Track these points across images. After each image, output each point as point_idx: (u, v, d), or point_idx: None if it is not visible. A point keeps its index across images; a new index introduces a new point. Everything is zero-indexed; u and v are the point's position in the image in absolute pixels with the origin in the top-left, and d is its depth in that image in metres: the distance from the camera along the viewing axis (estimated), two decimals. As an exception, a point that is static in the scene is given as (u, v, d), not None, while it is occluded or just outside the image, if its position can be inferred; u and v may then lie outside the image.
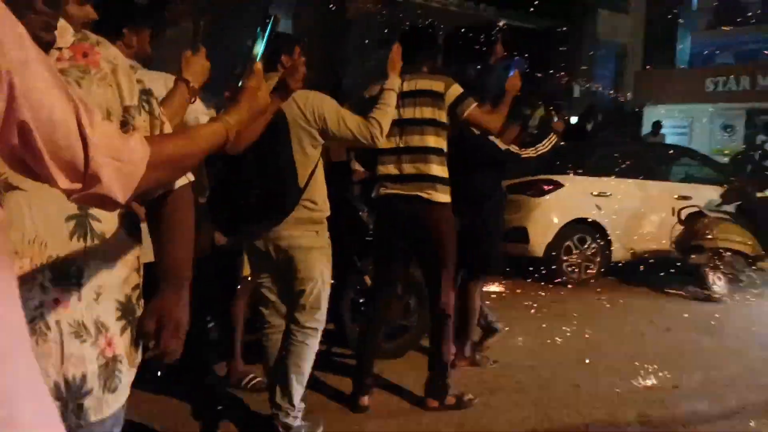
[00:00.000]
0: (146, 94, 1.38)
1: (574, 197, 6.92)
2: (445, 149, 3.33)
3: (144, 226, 1.48)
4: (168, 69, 2.26)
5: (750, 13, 14.86)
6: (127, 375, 1.36)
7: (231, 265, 3.55)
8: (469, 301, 4.13)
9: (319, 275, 2.92)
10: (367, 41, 10.36)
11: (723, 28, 15.95)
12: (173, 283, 1.46)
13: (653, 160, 7.88)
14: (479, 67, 4.47)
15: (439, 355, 3.42)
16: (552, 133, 4.19)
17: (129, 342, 1.38)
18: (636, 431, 3.21)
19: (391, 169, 3.33)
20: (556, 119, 4.34)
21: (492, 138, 4.10)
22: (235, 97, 1.34)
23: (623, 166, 7.54)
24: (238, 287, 3.60)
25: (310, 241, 2.91)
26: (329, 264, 2.98)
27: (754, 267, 6.27)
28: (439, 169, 3.30)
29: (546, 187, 6.87)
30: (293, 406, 2.89)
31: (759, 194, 6.72)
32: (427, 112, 3.28)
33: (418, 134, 3.28)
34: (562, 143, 4.47)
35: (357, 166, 4.50)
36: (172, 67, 2.16)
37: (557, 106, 4.49)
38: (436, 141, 3.29)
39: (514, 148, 4.08)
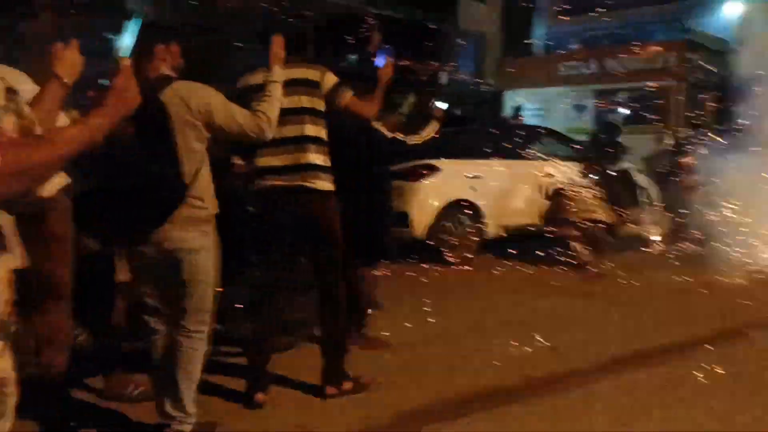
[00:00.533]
0: (11, 93, 1.28)
1: (450, 180, 7.24)
2: (325, 138, 3.34)
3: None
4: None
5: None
6: (12, 398, 1.26)
7: (105, 271, 3.37)
8: (365, 286, 4.23)
9: (204, 277, 2.83)
10: (238, 32, 10.11)
11: (567, 17, 17.26)
12: (53, 297, 1.37)
13: (519, 141, 8.41)
14: (359, 56, 4.55)
15: (332, 342, 3.45)
16: (434, 120, 4.36)
17: (10, 363, 1.28)
18: (522, 392, 3.45)
19: (271, 161, 3.29)
20: (436, 107, 4.53)
21: (379, 127, 4.22)
22: (101, 97, 1.27)
23: (493, 148, 8.01)
24: (116, 294, 3.42)
25: (197, 242, 2.81)
26: (215, 264, 2.91)
27: (612, 234, 6.89)
28: (320, 158, 3.31)
29: (423, 172, 7.13)
30: (186, 414, 2.80)
31: (613, 168, 7.38)
32: (305, 101, 3.27)
33: (296, 124, 3.26)
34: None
35: (237, 160, 4.43)
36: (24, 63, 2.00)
37: (431, 93, 4.68)
38: (315, 130, 3.29)
39: (400, 136, 4.21)
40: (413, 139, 4.31)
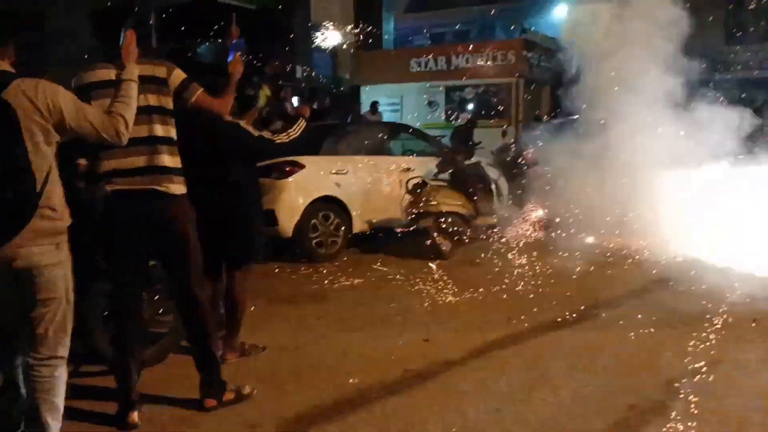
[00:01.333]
0: None
1: (315, 177, 7.23)
2: (175, 138, 3.19)
3: None
4: None
5: None
6: None
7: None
8: (237, 292, 4.10)
9: (63, 294, 2.62)
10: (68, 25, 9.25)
11: (415, 13, 17.89)
12: None
13: (379, 138, 8.61)
14: (214, 48, 4.38)
15: (204, 353, 3.31)
16: (301, 118, 4.31)
17: None
18: (402, 386, 3.55)
19: (120, 163, 3.06)
20: (297, 104, 4.49)
21: (244, 125, 4.09)
22: None
23: (355, 144, 8.12)
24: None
25: (50, 256, 2.58)
26: (71, 279, 2.69)
27: (469, 225, 7.27)
28: (172, 160, 3.16)
29: (288, 169, 7.05)
30: None
31: (467, 162, 7.78)
32: (152, 99, 3.09)
33: (145, 123, 3.06)
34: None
35: (81, 161, 4.10)
36: None
37: (285, 87, 4.63)
38: (165, 130, 3.14)
39: (267, 135, 4.11)
40: (281, 138, 4.23)
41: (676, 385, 3.41)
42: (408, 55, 17.26)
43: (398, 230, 7.46)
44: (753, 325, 4.42)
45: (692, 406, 3.16)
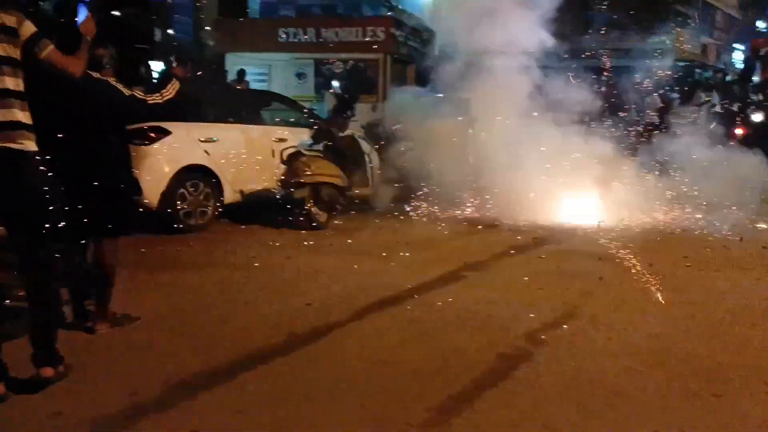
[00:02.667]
0: None
1: (182, 144, 6.93)
2: (24, 92, 3.01)
3: None
4: None
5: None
6: None
7: None
8: (106, 261, 3.89)
9: None
10: None
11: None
12: None
13: (250, 106, 8.41)
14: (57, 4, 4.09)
15: (44, 318, 3.11)
16: (174, 79, 4.14)
17: None
18: (288, 348, 3.59)
19: None
20: (175, 65, 4.30)
21: (113, 82, 3.85)
22: None
23: (225, 112, 7.88)
24: None
25: None
26: None
27: (343, 196, 7.37)
28: (25, 115, 2.99)
29: (153, 135, 6.69)
30: None
31: (341, 134, 7.84)
32: (1, 50, 2.90)
33: None
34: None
35: None
36: None
37: (143, 50, 4.44)
38: (15, 83, 2.96)
39: (139, 94, 3.90)
40: (154, 98, 4.04)
41: (542, 336, 3.76)
42: (276, 24, 16.87)
43: (272, 198, 7.39)
44: (600, 280, 4.96)
45: (551, 353, 3.52)
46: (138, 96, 3.90)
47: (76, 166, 3.75)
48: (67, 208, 3.77)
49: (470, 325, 3.97)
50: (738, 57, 27.06)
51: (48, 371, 3.06)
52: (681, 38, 19.45)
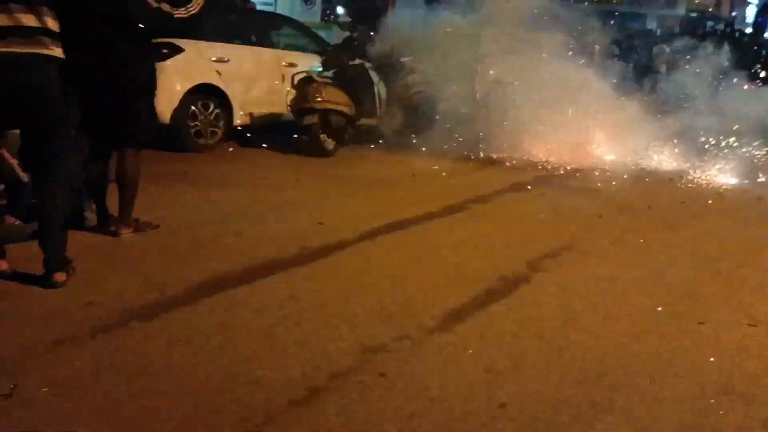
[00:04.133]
0: None
1: (194, 63, 6.96)
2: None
3: None
4: None
5: None
6: None
7: None
8: (128, 170, 4.06)
9: None
10: None
11: None
12: None
13: (262, 28, 8.37)
14: None
15: (55, 222, 3.24)
16: (198, -7, 4.17)
17: None
18: (302, 258, 3.81)
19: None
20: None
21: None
22: None
23: (237, 32, 7.86)
24: None
25: None
26: None
27: (352, 125, 7.47)
28: (53, 23, 3.09)
29: (166, 51, 6.70)
30: None
31: (351, 62, 7.85)
32: None
33: None
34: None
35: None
36: None
37: None
38: None
39: (166, 7, 3.96)
40: (179, 12, 4.09)
41: (541, 263, 3.99)
42: (285, -54, 16.40)
43: (281, 123, 7.47)
44: (599, 218, 5.18)
45: (548, 278, 3.76)
46: (164, 9, 3.96)
47: (101, 77, 3.86)
48: (91, 120, 3.97)
49: (473, 251, 4.19)
50: (751, 11, 26.59)
51: (59, 276, 3.20)
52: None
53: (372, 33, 8.19)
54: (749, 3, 26.95)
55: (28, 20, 2.99)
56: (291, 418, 2.23)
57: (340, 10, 14.73)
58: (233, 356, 2.62)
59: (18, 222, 3.83)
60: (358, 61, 8.15)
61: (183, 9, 4.10)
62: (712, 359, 2.89)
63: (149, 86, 4.14)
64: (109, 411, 2.21)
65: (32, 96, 3.08)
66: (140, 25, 3.91)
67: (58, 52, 3.13)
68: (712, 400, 2.55)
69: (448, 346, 2.83)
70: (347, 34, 8.31)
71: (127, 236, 4.00)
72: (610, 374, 2.69)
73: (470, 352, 2.79)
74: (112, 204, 4.09)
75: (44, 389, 2.31)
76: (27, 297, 3.07)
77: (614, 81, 8.11)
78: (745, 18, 25.81)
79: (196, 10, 4.17)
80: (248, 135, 7.36)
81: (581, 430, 2.30)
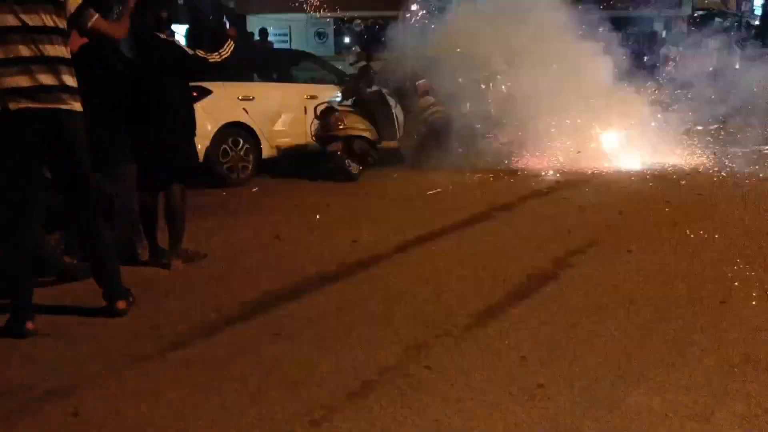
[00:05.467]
0: None
1: (223, 103, 7.37)
2: (70, 57, 3.34)
3: None
4: None
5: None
6: None
7: None
8: (174, 204, 4.39)
9: None
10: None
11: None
12: None
13: (283, 65, 8.81)
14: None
15: (103, 260, 3.47)
16: (230, 39, 4.53)
17: None
18: (342, 273, 4.08)
19: (20, 81, 3.15)
20: (228, 26, 4.71)
21: (179, 44, 4.29)
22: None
23: (258, 70, 8.29)
24: None
25: None
26: None
27: (374, 148, 7.79)
28: (71, 79, 3.31)
29: (195, 94, 7.09)
30: None
31: (368, 90, 8.21)
32: (48, 20, 3.21)
33: (47, 43, 3.20)
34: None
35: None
36: None
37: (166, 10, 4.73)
38: (64, 51, 3.28)
39: (201, 53, 4.33)
40: (213, 57, 4.46)
41: (567, 260, 4.22)
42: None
43: (308, 152, 7.81)
44: (620, 214, 5.39)
45: (575, 273, 3.98)
46: (200, 56, 4.33)
47: (150, 119, 4.23)
48: (140, 158, 4.34)
49: (501, 254, 4.43)
50: (758, 3, 26.55)
51: (122, 304, 3.48)
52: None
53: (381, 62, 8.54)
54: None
55: (47, 79, 3.20)
56: (350, 408, 2.49)
57: (347, 40, 15.19)
58: (291, 360, 2.89)
59: (75, 261, 4.17)
60: (375, 88, 8.51)
61: (216, 54, 4.47)
62: (735, 335, 3.08)
63: (190, 126, 4.50)
64: (189, 414, 2.49)
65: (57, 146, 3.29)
66: (182, 71, 4.28)
67: (76, 106, 3.32)
68: (736, 369, 2.74)
69: (486, 340, 3.07)
70: (363, 63, 8.65)
71: (179, 266, 4.32)
72: (638, 353, 2.90)
73: (507, 343, 3.03)
74: (162, 239, 4.42)
75: (131, 398, 2.60)
76: (98, 325, 3.37)
77: (624, 83, 8.32)
78: (753, 10, 25.82)
79: (228, 54, 4.53)
80: (277, 168, 7.70)
81: (617, 399, 2.51)
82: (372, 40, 15.62)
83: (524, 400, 2.53)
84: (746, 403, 2.48)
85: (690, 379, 2.67)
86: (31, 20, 3.15)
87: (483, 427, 2.36)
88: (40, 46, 3.16)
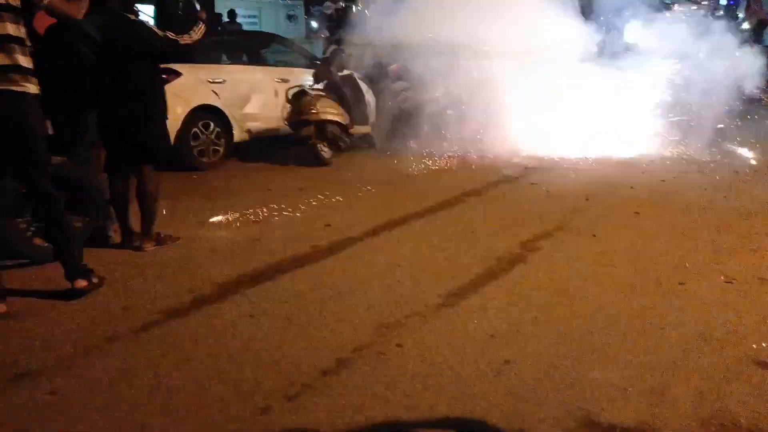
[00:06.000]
0: None
1: (193, 85, 7.30)
2: (26, 38, 3.28)
3: None
4: None
5: None
6: None
7: None
8: (148, 187, 4.37)
9: None
10: None
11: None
12: None
13: (252, 47, 8.74)
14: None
15: (63, 240, 3.45)
16: (200, 22, 4.51)
17: None
18: (314, 256, 4.13)
19: None
20: (198, 8, 4.69)
21: (150, 25, 4.26)
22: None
23: (230, 53, 8.22)
24: None
25: None
26: None
27: (346, 133, 7.81)
28: (26, 60, 3.24)
29: (165, 76, 7.02)
30: None
31: (340, 74, 8.21)
32: None
33: None
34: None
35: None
36: None
37: None
38: (17, 29, 3.21)
39: (171, 35, 4.30)
40: (184, 39, 4.43)
41: (535, 244, 4.34)
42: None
43: (278, 136, 7.80)
44: (586, 200, 5.54)
45: (543, 255, 4.10)
46: (170, 37, 4.30)
47: (120, 102, 4.20)
48: (111, 140, 4.32)
49: (471, 237, 4.54)
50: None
51: (81, 282, 3.46)
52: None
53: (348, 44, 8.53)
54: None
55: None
56: (325, 384, 2.56)
57: (314, 24, 15.06)
58: (264, 340, 2.95)
59: (47, 244, 4.14)
60: (346, 72, 8.53)
61: (187, 35, 4.44)
62: (691, 312, 3.23)
63: (161, 108, 4.48)
64: (164, 390, 2.54)
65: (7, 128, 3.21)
66: (152, 53, 4.25)
67: (30, 88, 3.25)
68: (692, 346, 2.89)
69: (455, 319, 3.17)
70: (335, 47, 8.64)
71: (151, 249, 4.32)
72: (601, 331, 3.03)
73: (475, 322, 3.13)
74: (134, 222, 4.41)
75: (106, 377, 2.63)
76: (67, 307, 3.36)
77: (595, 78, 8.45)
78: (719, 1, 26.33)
79: (200, 35, 4.51)
80: (248, 151, 7.68)
81: (579, 375, 2.63)
82: (341, 23, 15.56)
83: (492, 376, 2.63)
84: (702, 379, 2.62)
85: (649, 355, 2.80)
86: None
87: (452, 401, 2.46)
88: None
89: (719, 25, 9.24)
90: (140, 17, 4.47)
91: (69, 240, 3.49)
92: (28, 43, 3.29)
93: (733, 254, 4.13)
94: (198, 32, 4.50)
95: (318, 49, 12.28)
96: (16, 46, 3.18)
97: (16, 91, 3.18)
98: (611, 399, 2.47)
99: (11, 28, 3.17)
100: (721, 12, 19.87)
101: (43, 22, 4.14)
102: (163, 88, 4.58)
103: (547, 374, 2.64)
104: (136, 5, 4.42)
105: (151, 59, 4.34)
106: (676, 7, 14.33)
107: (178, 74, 7.10)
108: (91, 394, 2.53)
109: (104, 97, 4.22)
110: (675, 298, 3.43)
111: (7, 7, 3.16)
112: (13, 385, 2.59)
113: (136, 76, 4.24)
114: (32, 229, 4.04)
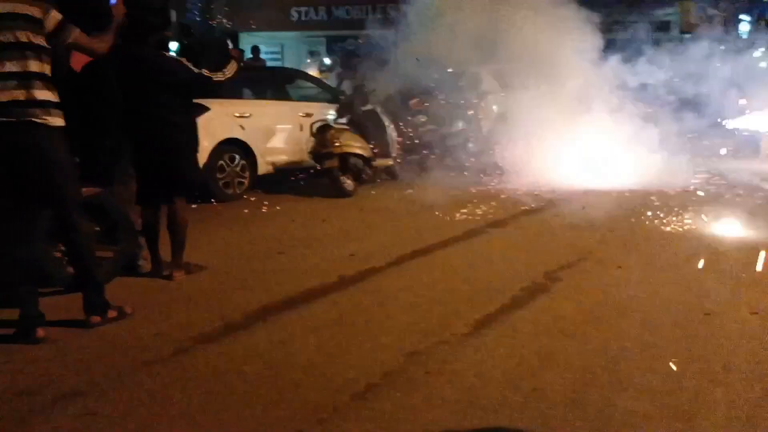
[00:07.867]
0: None
1: (220, 119, 7.51)
2: (49, 74, 3.38)
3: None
4: None
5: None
6: None
7: None
8: (178, 219, 4.50)
9: None
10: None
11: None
12: None
13: (278, 83, 8.99)
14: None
15: (85, 273, 3.55)
16: (232, 59, 4.69)
17: None
18: (341, 284, 4.20)
19: None
20: (231, 46, 4.88)
21: (185, 62, 4.44)
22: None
23: (255, 88, 8.46)
24: None
25: None
26: None
27: (369, 166, 7.95)
28: (49, 94, 3.33)
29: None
30: None
31: (363, 108, 8.38)
32: (24, 37, 3.26)
33: (21, 59, 3.26)
34: None
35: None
36: None
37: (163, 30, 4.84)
38: (40, 66, 3.32)
39: (206, 72, 4.47)
40: (218, 76, 4.60)
41: (558, 274, 4.37)
42: (288, 3, 17.34)
43: (302, 169, 7.96)
44: (611, 232, 5.57)
45: (567, 285, 4.13)
46: (204, 74, 4.47)
47: (153, 134, 4.36)
48: (143, 172, 4.46)
49: (495, 267, 4.58)
50: (744, 29, 27.16)
51: (95, 319, 3.53)
52: (686, 10, 19.68)
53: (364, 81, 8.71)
54: (741, 20, 27.57)
55: (19, 95, 3.25)
56: (354, 409, 2.61)
57: (327, 60, 15.27)
58: (296, 366, 3.00)
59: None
60: (369, 107, 8.70)
61: (221, 73, 4.61)
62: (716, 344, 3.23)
63: (194, 141, 4.63)
64: (196, 414, 2.60)
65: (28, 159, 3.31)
66: (186, 88, 4.42)
67: (51, 120, 3.34)
68: (718, 377, 2.89)
69: (482, 347, 3.20)
70: (358, 83, 8.83)
71: (181, 278, 4.41)
72: (629, 359, 3.04)
73: (502, 350, 3.16)
74: (163, 252, 4.52)
75: (139, 400, 2.70)
76: (101, 333, 3.45)
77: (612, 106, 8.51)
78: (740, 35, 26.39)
79: (232, 74, 4.68)
80: (272, 184, 7.83)
81: (606, 403, 2.64)
82: (359, 59, 15.83)
83: (518, 403, 2.66)
84: (728, 408, 2.62)
85: (675, 384, 2.81)
86: (4, 37, 3.22)
87: (478, 426, 2.48)
88: (13, 62, 3.24)
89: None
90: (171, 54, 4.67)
91: (90, 275, 3.56)
92: (50, 76, 3.36)
93: (758, 286, 4.11)
94: (231, 70, 4.67)
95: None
96: (39, 82, 3.30)
97: (36, 122, 3.28)
98: (637, 427, 2.48)
99: (34, 65, 3.30)
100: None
101: (79, 59, 4.32)
102: (195, 121, 4.74)
103: (574, 402, 2.66)
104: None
105: (186, 95, 4.50)
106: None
107: (206, 109, 7.32)
108: (124, 415, 2.60)
109: (140, 131, 4.38)
110: (701, 329, 3.43)
111: (30, 46, 3.29)
112: (52, 406, 2.67)
113: (171, 109, 4.40)
114: (67, 257, 4.16)
